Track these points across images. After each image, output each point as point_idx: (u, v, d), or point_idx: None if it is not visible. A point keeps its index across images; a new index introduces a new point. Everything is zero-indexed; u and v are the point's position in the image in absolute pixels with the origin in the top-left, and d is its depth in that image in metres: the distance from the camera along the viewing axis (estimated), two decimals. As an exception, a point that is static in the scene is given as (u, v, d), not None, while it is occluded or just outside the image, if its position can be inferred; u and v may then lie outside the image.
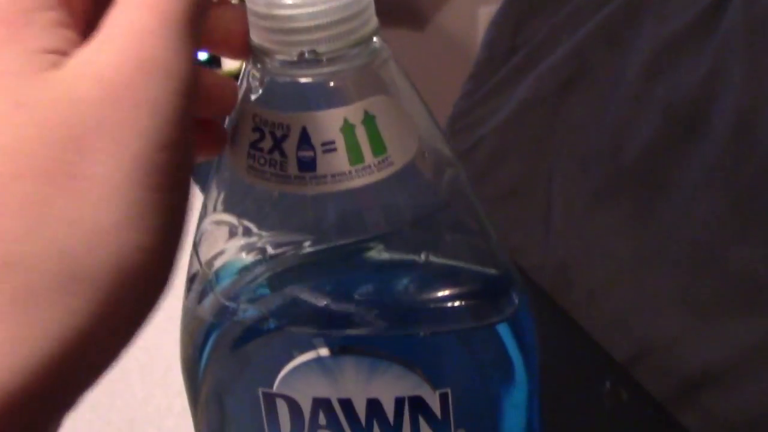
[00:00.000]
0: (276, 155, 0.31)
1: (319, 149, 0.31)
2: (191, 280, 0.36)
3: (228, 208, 0.34)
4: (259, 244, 0.34)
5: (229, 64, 0.82)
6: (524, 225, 0.73)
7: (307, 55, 0.31)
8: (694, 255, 0.64)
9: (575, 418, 0.54)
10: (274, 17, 0.30)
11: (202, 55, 0.87)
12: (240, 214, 0.34)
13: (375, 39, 0.32)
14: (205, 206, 0.35)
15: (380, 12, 0.32)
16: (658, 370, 0.64)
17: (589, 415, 0.55)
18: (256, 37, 0.31)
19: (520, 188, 0.75)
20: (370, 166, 0.31)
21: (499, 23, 0.81)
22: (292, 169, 0.31)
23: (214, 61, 0.83)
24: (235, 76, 0.84)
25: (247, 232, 0.34)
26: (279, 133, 0.31)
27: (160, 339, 0.59)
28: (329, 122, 0.31)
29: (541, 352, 0.36)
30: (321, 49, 0.31)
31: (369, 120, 0.31)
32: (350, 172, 0.31)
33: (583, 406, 0.55)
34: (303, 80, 0.31)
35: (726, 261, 0.62)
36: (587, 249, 0.70)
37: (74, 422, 0.54)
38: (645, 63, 0.70)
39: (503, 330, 0.34)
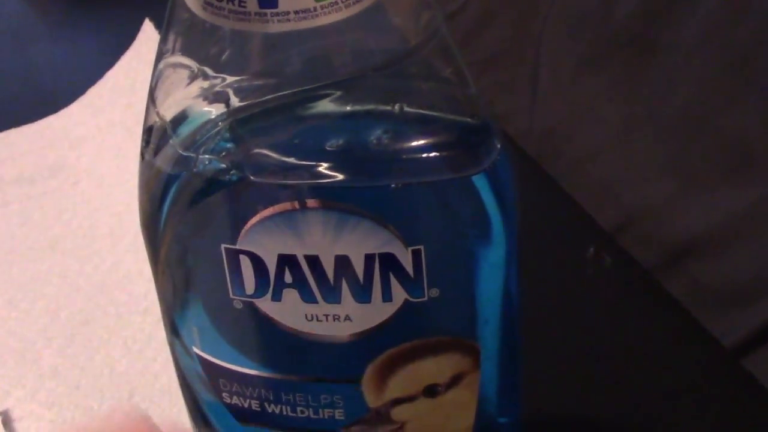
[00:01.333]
0: (235, -10, 0.29)
1: (281, -18, 0.28)
2: (148, 131, 0.34)
3: (186, 50, 0.32)
4: (220, 90, 0.32)
5: None
6: (511, 90, 0.71)
7: None
8: (684, 121, 0.62)
9: (556, 283, 0.52)
10: None
11: None
12: (199, 58, 0.32)
13: None
14: (160, 48, 0.32)
15: None
16: (644, 237, 0.62)
17: (571, 280, 0.53)
18: None
19: (507, 52, 0.72)
20: (337, 2, 0.29)
21: None
22: (252, 5, 0.29)
23: None
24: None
25: (207, 77, 0.32)
26: (237, -34, 0.29)
27: (130, 204, 0.57)
28: (292, -48, 0.28)
29: (522, 212, 0.34)
30: None
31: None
32: (315, 9, 0.29)
33: (564, 271, 0.54)
34: None
35: (717, 127, 0.60)
36: (575, 114, 0.68)
37: (41, 287, 0.53)
38: None
39: (480, 182, 0.32)
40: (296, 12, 0.29)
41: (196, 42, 0.31)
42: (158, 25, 0.68)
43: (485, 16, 0.74)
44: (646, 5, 0.65)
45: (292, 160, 0.32)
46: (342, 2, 0.29)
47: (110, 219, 0.56)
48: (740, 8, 0.58)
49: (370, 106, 0.32)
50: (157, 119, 0.33)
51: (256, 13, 0.29)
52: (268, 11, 0.29)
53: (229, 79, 0.31)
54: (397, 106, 0.32)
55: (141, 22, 0.68)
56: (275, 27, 0.29)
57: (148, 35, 0.67)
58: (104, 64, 0.65)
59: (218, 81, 0.31)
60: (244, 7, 0.29)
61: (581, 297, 0.53)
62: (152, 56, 0.66)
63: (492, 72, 0.72)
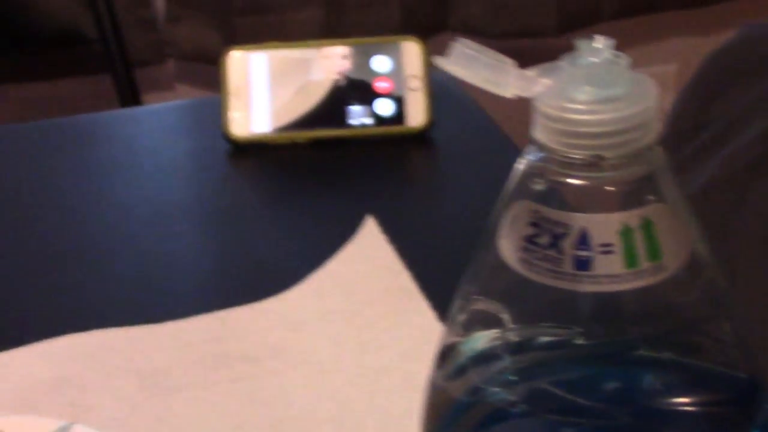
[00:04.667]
0: (553, 252, 0.32)
1: (596, 250, 0.32)
2: (443, 355, 0.37)
3: (489, 293, 0.35)
4: (518, 333, 0.35)
5: (413, 121, 0.84)
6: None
7: (592, 159, 0.32)
8: None
9: None
10: (564, 120, 0.32)
11: (388, 110, 0.89)
12: (503, 301, 0.35)
13: (656, 147, 0.33)
14: (463, 287, 0.36)
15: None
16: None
17: None
18: (542, 136, 0.33)
19: None
20: (644, 271, 0.32)
21: (686, 98, 0.81)
22: (568, 266, 0.32)
23: (398, 118, 0.85)
24: (420, 132, 0.86)
25: (506, 319, 0.35)
26: (557, 231, 0.32)
27: (351, 395, 0.60)
28: (609, 225, 0.32)
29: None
30: (607, 154, 0.32)
31: (647, 226, 0.32)
32: (624, 275, 0.32)
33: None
34: (585, 182, 0.32)
35: None
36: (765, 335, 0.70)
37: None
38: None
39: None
40: (607, 276, 0.32)
41: (505, 287, 0.35)
42: (380, 223, 0.72)
43: None
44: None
45: (572, 400, 0.35)
46: (649, 270, 0.32)
47: (331, 405, 0.59)
48: None
49: (652, 357, 0.35)
50: (455, 347, 0.36)
51: (570, 274, 0.32)
52: (582, 273, 0.32)
53: (529, 323, 0.35)
54: (676, 358, 0.35)
55: (362, 217, 0.73)
56: (586, 287, 0.32)
57: (370, 231, 0.71)
58: (325, 252, 0.70)
59: (518, 324, 0.35)
60: (560, 267, 0.33)
61: None
62: (371, 252, 0.71)
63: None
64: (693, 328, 0.35)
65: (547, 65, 0.33)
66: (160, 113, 0.98)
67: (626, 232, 0.32)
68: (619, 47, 0.33)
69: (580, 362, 0.35)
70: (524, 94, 0.33)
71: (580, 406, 0.35)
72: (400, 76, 0.86)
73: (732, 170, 0.74)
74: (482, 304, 0.35)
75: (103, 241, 0.76)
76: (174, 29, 1.65)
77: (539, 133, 0.33)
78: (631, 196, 0.32)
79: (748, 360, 0.36)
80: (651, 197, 0.33)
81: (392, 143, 0.84)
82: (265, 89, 0.86)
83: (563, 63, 0.33)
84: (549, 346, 0.35)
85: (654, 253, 0.32)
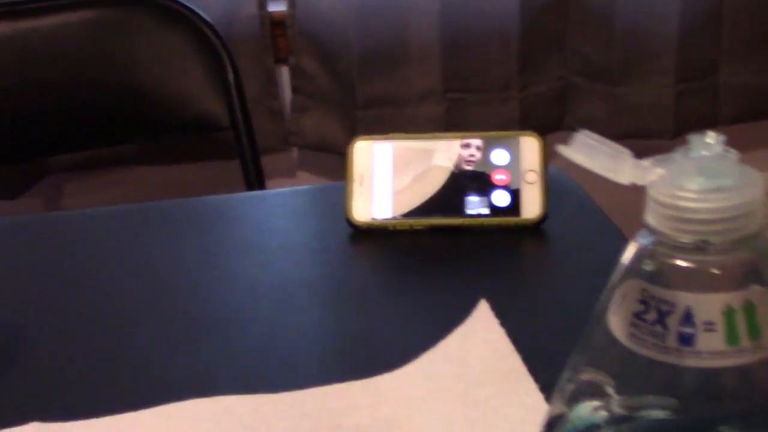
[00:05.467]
0: (659, 327, 0.35)
1: (700, 327, 0.35)
2: (550, 425, 0.39)
3: (596, 365, 0.38)
4: (619, 404, 0.37)
5: (528, 213, 0.87)
6: None
7: (699, 243, 0.35)
8: None
9: None
10: (675, 207, 0.34)
11: (504, 201, 0.92)
12: (607, 373, 0.38)
13: (760, 234, 0.35)
14: (573, 359, 0.39)
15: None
16: None
17: None
18: (654, 221, 0.36)
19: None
20: (744, 349, 0.35)
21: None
22: (672, 342, 0.35)
23: (513, 209, 0.88)
24: (535, 223, 0.88)
25: (611, 391, 0.37)
26: (664, 309, 0.35)
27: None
28: (712, 305, 0.34)
29: None
30: (714, 239, 0.34)
31: (749, 307, 0.34)
32: (726, 352, 0.35)
33: None
34: (691, 264, 0.35)
35: None
36: None
37: None
38: None
39: None
40: (709, 353, 0.35)
41: (612, 360, 0.37)
42: (493, 307, 0.75)
43: None
44: None
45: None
46: (749, 349, 0.35)
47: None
48: None
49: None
50: (563, 416, 0.39)
51: (674, 349, 0.35)
52: (686, 349, 0.35)
53: (633, 395, 0.37)
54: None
55: (477, 300, 0.75)
56: (689, 362, 0.35)
57: (483, 314, 0.74)
58: (438, 333, 0.73)
59: (622, 396, 0.37)
60: (665, 342, 0.35)
61: None
62: (483, 334, 0.73)
63: None
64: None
65: (661, 156, 0.36)
66: (286, 197, 1.02)
67: (729, 312, 0.34)
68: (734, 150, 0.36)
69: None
70: (639, 182, 0.36)
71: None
72: (518, 169, 0.89)
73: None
74: (589, 376, 0.38)
75: (230, 316, 0.80)
76: (300, 119, 1.71)
77: (651, 218, 0.36)
78: (735, 278, 0.35)
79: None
80: (754, 281, 0.35)
81: (507, 233, 0.87)
82: (388, 177, 0.90)
83: (676, 155, 0.36)
84: (650, 419, 0.37)
85: (755, 332, 0.35)
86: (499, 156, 0.90)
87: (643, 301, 0.35)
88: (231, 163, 1.48)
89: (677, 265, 0.35)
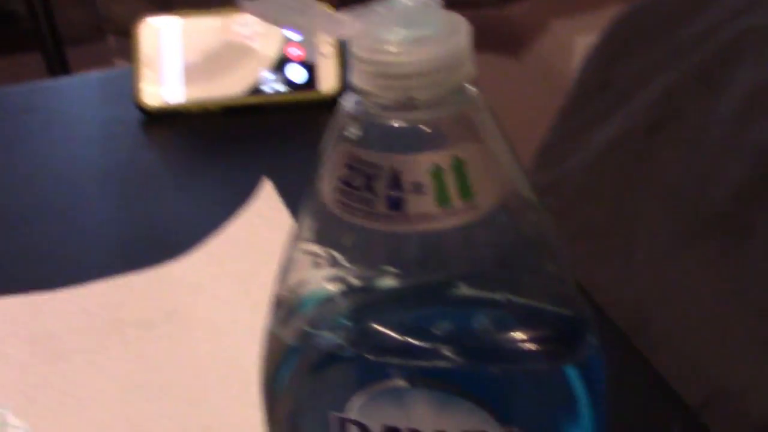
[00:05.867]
0: (366, 193, 0.33)
1: (408, 190, 0.32)
2: (276, 304, 0.37)
3: (316, 238, 0.36)
4: (344, 276, 0.35)
5: (325, 86, 0.84)
6: (605, 262, 0.74)
7: (404, 100, 0.32)
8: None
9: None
10: (376, 63, 0.32)
11: (300, 77, 0.89)
12: (328, 245, 0.35)
13: (470, 87, 0.33)
14: (294, 233, 0.36)
15: (479, 36, 0.33)
16: (730, 415, 0.64)
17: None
18: (356, 79, 0.33)
19: (604, 226, 0.75)
20: (456, 210, 0.32)
21: (592, 59, 0.81)
22: (381, 207, 0.33)
23: (310, 84, 0.85)
24: (331, 99, 0.85)
25: (334, 263, 0.35)
26: (371, 172, 0.33)
27: (239, 356, 0.60)
28: (420, 165, 0.32)
29: (611, 392, 0.37)
30: (418, 95, 0.32)
31: (458, 165, 0.32)
32: (437, 214, 0.32)
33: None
34: (398, 123, 0.33)
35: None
36: (668, 289, 0.71)
37: (153, 427, 0.56)
38: (739, 106, 0.70)
39: (574, 373, 0.35)
40: (420, 216, 0.32)
41: (328, 231, 0.35)
42: (276, 185, 0.72)
43: (583, 190, 0.77)
44: (743, 188, 0.67)
45: (402, 341, 0.35)
46: (461, 209, 0.32)
47: (221, 367, 0.60)
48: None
49: (479, 296, 0.35)
50: (286, 296, 0.36)
51: (383, 215, 0.33)
52: (395, 214, 0.33)
53: (353, 266, 0.35)
54: (502, 296, 0.35)
55: (259, 180, 0.73)
56: (400, 228, 0.33)
57: (267, 194, 0.71)
58: (223, 216, 0.70)
59: (344, 268, 0.35)
60: (373, 208, 0.33)
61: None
62: (269, 213, 0.71)
63: (588, 244, 0.75)
64: (516, 266, 0.35)
65: (360, 9, 0.33)
66: (74, 85, 0.97)
67: (437, 172, 0.32)
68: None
69: (406, 304, 0.36)
70: (332, 36, 0.33)
71: (409, 347, 0.35)
72: (312, 42, 0.86)
73: (633, 128, 0.74)
74: (312, 249, 0.36)
75: (12, 208, 0.76)
76: (111, 6, 1.64)
77: (354, 77, 0.33)
78: (444, 136, 0.33)
79: (573, 298, 0.36)
80: (464, 137, 0.33)
81: (304, 109, 0.84)
82: (178, 58, 0.86)
83: (377, 5, 0.33)
84: (376, 289, 0.35)
85: (466, 192, 0.32)
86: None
87: (350, 166, 0.33)
88: (36, 55, 1.41)
89: (382, 125, 0.33)
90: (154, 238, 0.72)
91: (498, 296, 0.35)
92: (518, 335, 0.35)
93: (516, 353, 0.35)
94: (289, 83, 0.86)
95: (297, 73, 0.86)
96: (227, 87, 0.86)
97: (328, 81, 0.85)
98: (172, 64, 0.86)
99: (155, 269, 0.67)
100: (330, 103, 0.84)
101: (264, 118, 0.85)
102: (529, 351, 0.35)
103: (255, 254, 0.67)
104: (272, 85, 0.86)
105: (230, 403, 0.58)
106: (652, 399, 0.60)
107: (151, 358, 0.61)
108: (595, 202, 0.76)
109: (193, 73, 0.86)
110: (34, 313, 0.65)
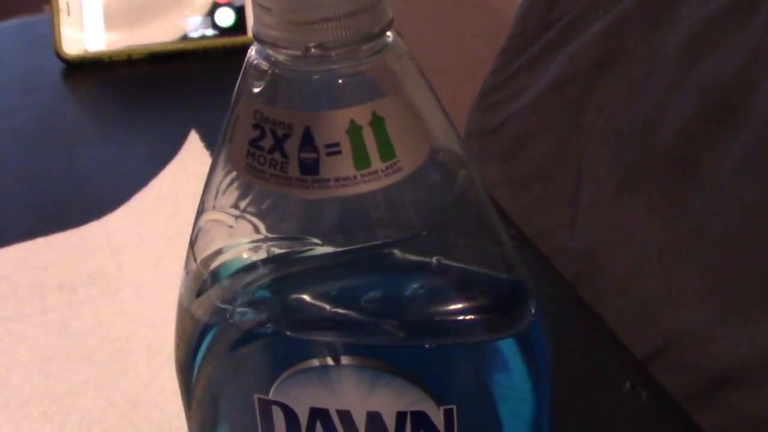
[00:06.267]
0: (277, 155, 0.29)
1: (322, 151, 0.29)
2: (187, 276, 0.34)
3: (229, 205, 0.32)
4: (261, 246, 0.32)
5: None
6: (550, 208, 0.71)
7: (313, 49, 0.29)
8: (725, 247, 0.62)
9: (591, 418, 0.52)
10: (279, 8, 0.28)
11: (228, 20, 0.85)
12: (241, 212, 0.32)
13: (389, 34, 0.30)
14: (203, 201, 0.33)
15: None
16: (680, 365, 0.62)
17: (606, 415, 0.53)
18: (259, 28, 0.29)
19: (547, 169, 0.72)
20: (377, 171, 0.29)
21: (534, -5, 0.78)
22: (294, 171, 0.29)
23: (239, 27, 0.81)
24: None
25: (248, 232, 0.32)
26: (280, 132, 0.29)
27: (167, 317, 0.57)
28: (334, 123, 0.29)
29: (554, 339, 0.34)
30: (329, 43, 0.29)
31: (377, 122, 0.29)
32: (356, 177, 0.29)
33: (599, 405, 0.53)
34: (308, 76, 0.29)
35: (758, 257, 0.60)
36: (614, 235, 0.68)
37: (76, 400, 0.53)
38: (683, 43, 0.67)
39: (511, 345, 0.32)
40: (337, 180, 0.29)
41: (240, 198, 0.32)
42: (203, 138, 0.69)
43: (526, 133, 0.74)
44: (689, 129, 0.65)
45: (327, 316, 0.32)
46: (382, 171, 0.29)
47: (147, 332, 0.56)
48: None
49: (411, 265, 0.32)
50: (197, 269, 0.33)
51: (297, 179, 0.29)
52: (309, 178, 0.29)
53: (269, 234, 0.32)
54: (434, 262, 0.32)
55: (187, 133, 0.69)
56: (315, 193, 0.29)
57: (194, 146, 0.68)
58: (149, 171, 0.66)
59: (260, 236, 0.32)
60: (286, 172, 0.29)
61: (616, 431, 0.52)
62: (197, 168, 0.67)
63: (532, 189, 0.72)
64: (448, 229, 0.32)
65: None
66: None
67: (354, 130, 0.29)
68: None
69: (330, 274, 0.32)
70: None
71: (335, 321, 0.32)
72: (240, -17, 0.82)
73: (577, 67, 0.71)
74: (223, 218, 0.32)
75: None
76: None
77: (258, 27, 0.30)
78: (361, 90, 0.29)
79: (510, 263, 0.33)
80: (382, 90, 0.30)
81: (233, 54, 0.80)
82: (98, 2, 0.81)
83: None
84: (295, 259, 0.32)
85: (387, 151, 0.29)
86: (216, -31, 0.82)
87: (257, 126, 0.30)
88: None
89: (291, 78, 0.29)
90: (76, 195, 0.68)
91: (430, 263, 0.32)
92: (453, 305, 0.32)
93: (451, 326, 0.32)
94: (217, 28, 0.82)
95: (226, 17, 0.82)
96: (152, 33, 0.82)
97: (258, 24, 0.81)
98: (93, 9, 0.81)
99: (77, 229, 0.64)
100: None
101: (192, 66, 0.81)
102: (464, 322, 0.32)
103: (182, 211, 0.64)
104: (200, 31, 0.82)
105: (158, 372, 0.55)
106: (600, 353, 0.58)
107: (74, 325, 0.58)
108: (540, 145, 0.73)
109: (115, 18, 0.81)
110: (-53, 280, 0.61)
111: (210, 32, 0.81)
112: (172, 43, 0.81)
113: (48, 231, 0.64)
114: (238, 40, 0.81)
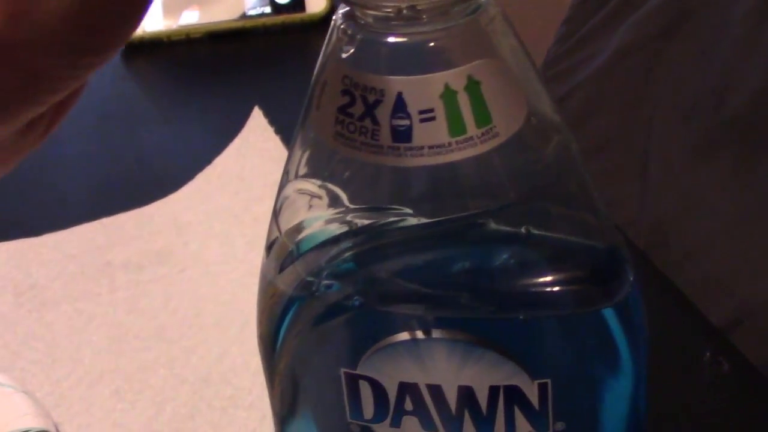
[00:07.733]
0: (367, 123, 0.28)
1: (415, 118, 0.28)
2: (270, 247, 0.33)
3: (313, 175, 0.31)
4: (347, 216, 0.31)
5: (314, 7, 0.80)
6: (619, 178, 0.70)
7: (405, 11, 0.28)
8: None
9: (673, 390, 0.51)
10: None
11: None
12: (326, 182, 0.31)
13: (481, -6, 0.29)
14: (287, 170, 0.32)
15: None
16: (760, 333, 0.60)
17: (688, 386, 0.51)
18: (349, -10, 0.28)
19: (616, 140, 0.71)
20: (472, 138, 0.28)
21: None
22: (385, 138, 0.28)
23: (297, 4, 0.80)
24: (321, 19, 0.81)
25: (334, 202, 0.31)
26: (371, 98, 0.28)
27: (236, 293, 0.57)
28: (428, 88, 0.28)
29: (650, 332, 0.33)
30: (421, 3, 0.28)
31: (473, 86, 0.28)
32: (450, 144, 0.28)
33: (681, 377, 0.52)
34: (400, 39, 0.28)
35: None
36: (686, 205, 0.67)
37: (148, 378, 0.53)
38: (752, 6, 0.66)
39: (611, 316, 0.31)
40: (430, 147, 0.28)
41: (324, 167, 0.31)
42: (266, 114, 0.68)
43: (593, 103, 0.73)
44: (762, 93, 0.63)
45: (417, 288, 0.31)
46: (478, 137, 0.28)
47: (216, 308, 0.56)
48: None
49: (503, 235, 0.31)
50: (281, 240, 0.32)
51: (389, 147, 0.28)
52: (402, 146, 0.28)
53: (356, 205, 0.31)
54: (526, 233, 0.31)
55: (250, 110, 0.68)
56: (408, 161, 0.28)
57: (257, 122, 0.67)
58: (213, 149, 0.66)
59: (346, 207, 0.31)
60: (377, 140, 0.28)
61: (699, 403, 0.51)
62: (261, 144, 0.66)
63: (600, 159, 0.71)
64: (542, 198, 0.31)
65: None
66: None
67: (449, 95, 0.28)
68: None
69: (419, 246, 0.31)
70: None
71: (424, 294, 0.31)
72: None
73: (643, 35, 0.70)
74: (308, 188, 0.31)
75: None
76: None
77: (347, -13, 0.29)
78: (454, 53, 0.28)
79: (605, 232, 0.32)
80: (478, 53, 0.28)
81: (292, 32, 0.80)
82: (154, -19, 0.81)
83: None
84: (385, 230, 0.31)
85: (483, 117, 0.28)
86: (274, -54, 0.81)
87: (346, 92, 0.29)
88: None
89: (381, 42, 0.28)
90: (140, 175, 0.68)
91: (523, 233, 0.31)
92: (548, 276, 0.31)
93: (542, 297, 0.31)
94: (275, 5, 0.81)
95: (284, -6, 0.81)
96: (211, 12, 0.81)
97: (317, 1, 0.81)
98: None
99: (143, 208, 0.63)
100: (320, 25, 0.79)
101: (250, 44, 0.80)
102: (558, 294, 0.31)
103: (247, 188, 0.63)
104: (258, 9, 0.81)
105: (228, 348, 0.54)
106: (677, 323, 0.56)
107: (143, 304, 0.57)
108: (606, 114, 0.72)
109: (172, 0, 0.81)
110: (15, 262, 0.61)
111: (268, 9, 0.81)
112: (231, 21, 0.81)
113: (113, 211, 0.64)
114: (296, 17, 0.80)
